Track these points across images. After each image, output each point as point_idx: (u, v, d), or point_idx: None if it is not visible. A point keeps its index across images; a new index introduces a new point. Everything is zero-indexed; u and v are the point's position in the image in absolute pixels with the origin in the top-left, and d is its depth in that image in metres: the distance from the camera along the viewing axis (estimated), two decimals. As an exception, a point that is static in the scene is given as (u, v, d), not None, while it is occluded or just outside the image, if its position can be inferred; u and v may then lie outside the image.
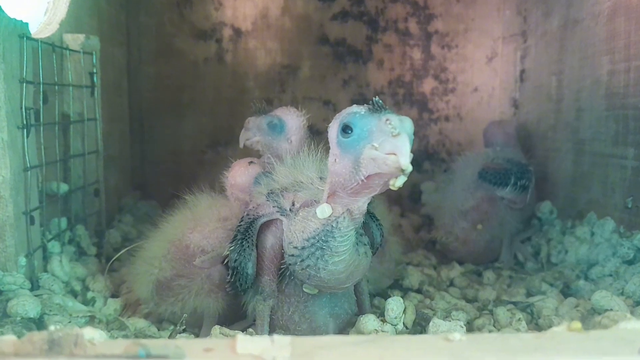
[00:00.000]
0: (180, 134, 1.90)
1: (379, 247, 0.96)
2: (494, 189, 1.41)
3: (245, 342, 0.50)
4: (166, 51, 1.87)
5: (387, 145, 0.70)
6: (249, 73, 1.89)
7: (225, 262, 0.92)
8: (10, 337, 0.54)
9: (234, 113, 1.88)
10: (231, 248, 0.88)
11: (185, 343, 0.51)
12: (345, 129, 0.73)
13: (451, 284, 1.29)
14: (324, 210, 0.79)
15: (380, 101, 0.72)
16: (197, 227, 1.00)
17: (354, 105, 0.75)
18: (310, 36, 1.89)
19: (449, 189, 1.49)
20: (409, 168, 0.69)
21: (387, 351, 0.49)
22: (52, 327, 0.53)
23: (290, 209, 0.85)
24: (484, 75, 1.91)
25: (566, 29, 1.51)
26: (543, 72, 1.65)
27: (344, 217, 0.78)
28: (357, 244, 0.82)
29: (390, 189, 0.75)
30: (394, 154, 0.69)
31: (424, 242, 1.56)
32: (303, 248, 0.80)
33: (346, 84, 1.90)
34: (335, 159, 0.76)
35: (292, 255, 0.82)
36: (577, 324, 0.58)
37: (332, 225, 0.79)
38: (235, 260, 0.86)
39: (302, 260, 0.81)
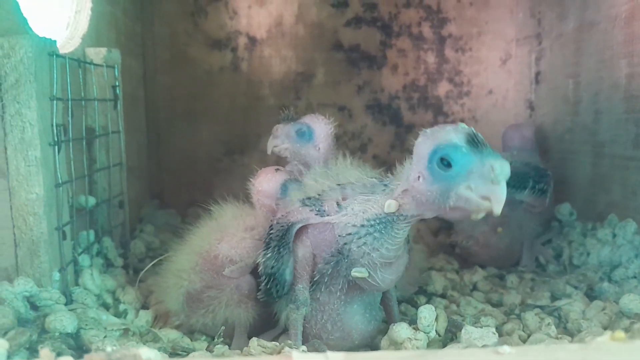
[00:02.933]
0: (196, 143, 1.92)
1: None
2: (512, 192, 1.42)
3: (301, 359, 0.51)
4: (181, 61, 1.89)
5: (484, 190, 0.70)
6: (263, 81, 1.90)
7: (256, 270, 0.93)
8: (67, 359, 0.55)
9: (249, 121, 1.90)
10: (267, 255, 0.89)
11: (242, 361, 0.52)
12: (443, 161, 0.73)
13: (474, 288, 1.30)
14: (390, 205, 0.82)
15: (478, 134, 0.72)
16: (224, 237, 1.01)
17: (450, 128, 0.75)
18: (324, 43, 1.90)
19: (468, 192, 1.49)
20: (499, 213, 0.70)
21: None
22: (109, 348, 0.54)
23: (337, 204, 0.87)
24: (498, 77, 1.91)
25: (582, 32, 1.52)
26: (559, 74, 1.66)
27: (406, 217, 0.81)
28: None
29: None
30: (489, 200, 0.70)
31: (443, 246, 1.57)
32: (362, 226, 0.84)
33: (360, 89, 1.91)
34: (420, 177, 0.77)
35: (350, 234, 0.85)
36: (621, 334, 0.59)
37: (393, 218, 0.82)
38: (273, 267, 0.87)
39: (360, 237, 0.84)
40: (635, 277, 1.19)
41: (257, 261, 0.93)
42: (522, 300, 1.18)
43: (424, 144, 0.76)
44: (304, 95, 1.91)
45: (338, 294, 0.90)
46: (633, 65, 1.29)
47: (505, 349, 0.53)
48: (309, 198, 0.90)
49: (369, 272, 0.86)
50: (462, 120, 1.92)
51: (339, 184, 0.89)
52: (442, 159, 0.73)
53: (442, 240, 1.61)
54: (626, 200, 1.33)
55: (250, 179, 1.06)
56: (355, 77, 1.91)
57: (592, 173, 1.49)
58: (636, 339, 0.59)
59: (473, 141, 0.72)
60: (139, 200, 1.70)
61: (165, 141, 1.91)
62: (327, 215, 0.87)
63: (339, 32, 1.89)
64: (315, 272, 0.90)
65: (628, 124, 1.31)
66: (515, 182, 1.41)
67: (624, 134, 1.33)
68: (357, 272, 0.86)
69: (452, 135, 0.74)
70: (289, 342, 0.86)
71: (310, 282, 0.91)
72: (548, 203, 1.44)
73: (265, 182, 1.04)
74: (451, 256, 1.48)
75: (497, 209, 0.70)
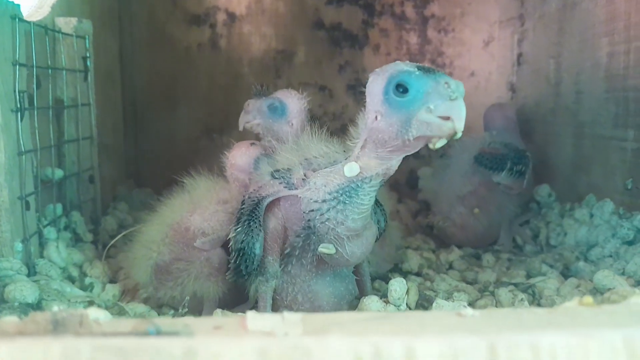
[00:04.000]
0: (174, 122, 1.88)
1: (382, 232, 0.96)
2: (490, 173, 1.40)
3: (256, 320, 0.49)
4: (159, 38, 1.84)
5: (443, 109, 0.69)
6: (243, 59, 1.87)
7: (227, 245, 0.91)
8: (11, 318, 0.52)
9: (228, 100, 1.86)
10: (237, 229, 0.87)
11: (194, 321, 0.50)
12: (398, 88, 0.71)
13: (450, 267, 1.29)
14: (352, 169, 0.79)
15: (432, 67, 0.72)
16: (196, 209, 0.99)
17: (399, 62, 0.74)
18: (305, 21, 1.86)
19: (445, 173, 1.48)
20: (461, 133, 0.69)
21: (399, 327, 0.48)
22: (55, 308, 0.51)
23: (303, 178, 0.85)
24: (481, 59, 1.90)
25: (565, 11, 1.51)
26: (541, 55, 1.65)
27: (370, 178, 0.78)
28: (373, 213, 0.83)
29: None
30: (449, 118, 0.68)
31: (421, 227, 1.55)
32: (324, 201, 0.81)
33: (342, 69, 1.89)
34: (377, 116, 0.74)
35: (312, 211, 0.83)
36: (589, 299, 0.57)
37: (357, 184, 0.80)
38: (242, 242, 0.85)
39: (322, 214, 0.82)
40: (611, 256, 1.18)
41: (229, 236, 0.91)
42: (497, 278, 1.17)
43: (376, 80, 0.75)
44: (284, 74, 1.87)
45: (309, 267, 0.88)
46: (614, 44, 1.27)
47: (468, 311, 0.51)
48: (278, 171, 0.89)
49: (336, 248, 0.84)
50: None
51: (305, 159, 0.87)
52: (397, 86, 0.71)
53: (421, 221, 1.59)
54: (606, 180, 1.32)
55: (226, 153, 1.04)
56: (336, 57, 1.88)
57: (573, 154, 1.48)
58: (604, 304, 0.57)
59: (424, 68, 0.71)
60: (114, 178, 1.67)
61: (142, 119, 1.87)
62: (295, 188, 0.86)
63: (320, 10, 1.86)
64: (286, 245, 0.89)
65: (608, 103, 1.30)
66: (492, 164, 1.40)
67: (605, 114, 1.32)
68: (324, 249, 0.84)
69: (402, 65, 0.73)
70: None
71: (281, 255, 0.89)
72: (526, 185, 1.43)
73: (239, 156, 1.02)
74: (429, 237, 1.47)
75: (459, 125, 0.68)
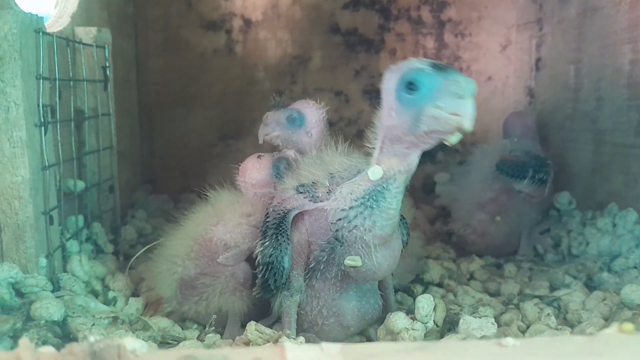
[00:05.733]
0: (189, 127, 1.88)
1: (405, 245, 0.95)
2: (511, 181, 1.40)
3: (295, 351, 0.49)
4: (174, 43, 1.84)
5: (452, 106, 0.70)
6: (258, 64, 1.86)
7: (254, 258, 0.90)
8: (48, 349, 0.52)
9: (243, 105, 1.86)
10: (265, 243, 0.86)
11: (233, 352, 0.49)
12: (409, 86, 0.73)
13: (471, 277, 1.28)
14: (375, 172, 0.79)
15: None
16: (219, 222, 0.99)
17: (414, 59, 0.75)
18: (321, 26, 1.85)
19: (465, 180, 1.47)
20: (470, 129, 0.70)
21: (439, 358, 0.48)
22: (92, 338, 0.51)
23: (328, 192, 0.85)
24: (498, 63, 1.88)
25: (585, 17, 1.49)
26: (560, 60, 1.63)
27: (394, 178, 0.79)
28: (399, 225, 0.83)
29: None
30: (458, 115, 0.69)
31: (440, 234, 1.55)
32: (351, 208, 0.81)
33: (358, 74, 1.88)
34: (391, 113, 0.76)
35: (340, 220, 0.82)
36: (629, 326, 0.57)
37: (382, 186, 0.80)
38: (271, 256, 0.85)
39: (350, 221, 0.82)
40: (635, 268, 1.17)
41: (255, 251, 0.90)
42: (520, 290, 1.16)
43: (390, 77, 0.76)
44: (299, 80, 1.87)
45: (333, 280, 0.88)
46: (637, 51, 1.26)
47: (509, 341, 0.51)
48: (303, 185, 0.88)
49: (363, 260, 0.83)
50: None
51: (330, 173, 0.87)
52: (409, 84, 0.73)
53: (439, 229, 1.58)
54: (627, 189, 1.31)
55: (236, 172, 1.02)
56: (352, 62, 1.87)
57: (593, 161, 1.46)
58: (644, 331, 0.56)
59: (437, 65, 0.72)
60: (130, 185, 1.67)
61: (158, 125, 1.87)
62: (321, 201, 0.85)
63: (336, 15, 1.85)
64: (310, 259, 0.88)
65: (630, 111, 1.29)
66: (514, 172, 1.39)
67: (626, 122, 1.30)
68: (351, 261, 0.84)
69: (415, 63, 0.74)
70: (288, 332, 0.84)
71: (306, 270, 0.89)
72: (547, 193, 1.41)
73: (255, 172, 1.00)
74: (448, 245, 1.46)
75: (467, 123, 0.69)
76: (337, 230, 0.84)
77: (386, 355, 0.49)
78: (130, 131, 1.71)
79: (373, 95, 1.88)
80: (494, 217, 1.38)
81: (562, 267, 1.25)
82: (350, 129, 1.87)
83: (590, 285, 1.15)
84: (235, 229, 0.97)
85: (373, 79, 1.87)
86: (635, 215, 1.25)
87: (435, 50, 1.87)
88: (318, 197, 0.86)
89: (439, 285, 1.20)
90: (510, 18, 1.86)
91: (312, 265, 0.88)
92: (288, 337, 0.79)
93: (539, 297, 1.09)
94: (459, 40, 1.87)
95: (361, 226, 0.81)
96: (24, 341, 0.51)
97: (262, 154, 1.04)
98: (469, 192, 1.43)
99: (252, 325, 0.81)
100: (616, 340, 0.55)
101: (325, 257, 0.86)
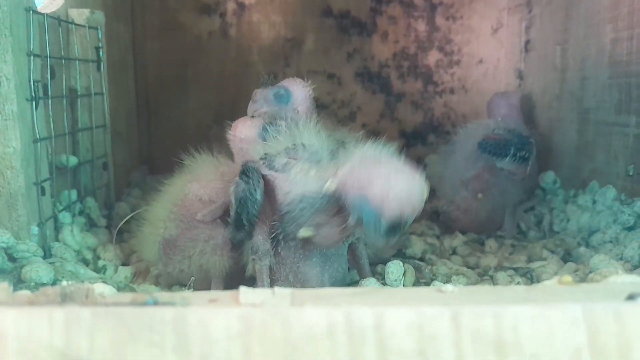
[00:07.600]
0: (186, 109, 1.92)
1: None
2: (493, 159, 1.42)
3: (248, 294, 0.52)
4: (170, 26, 1.88)
5: None
6: (252, 47, 1.90)
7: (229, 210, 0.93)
8: (24, 291, 0.57)
9: (238, 87, 1.89)
10: (237, 182, 0.89)
11: (192, 294, 0.53)
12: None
13: (454, 252, 1.31)
14: (329, 185, 0.81)
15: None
16: (195, 179, 1.03)
17: None
18: (314, 9, 1.88)
19: (450, 159, 1.50)
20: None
21: (376, 299, 0.51)
22: (64, 283, 0.56)
23: (285, 164, 0.87)
24: (489, 46, 1.90)
25: (571, -2, 1.51)
26: (548, 42, 1.65)
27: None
28: None
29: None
30: None
31: (427, 213, 1.58)
32: (300, 201, 0.84)
33: (350, 57, 1.91)
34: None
35: (288, 204, 0.85)
36: (568, 278, 0.60)
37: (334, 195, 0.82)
38: (243, 190, 0.87)
39: (299, 209, 0.84)
40: (611, 242, 1.20)
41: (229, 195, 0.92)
42: (499, 263, 1.19)
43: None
44: (293, 62, 1.90)
45: (295, 248, 0.91)
46: (617, 30, 1.28)
47: (448, 287, 0.54)
48: (267, 154, 0.90)
49: (315, 232, 0.86)
50: (451, 90, 1.92)
51: (293, 144, 0.89)
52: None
53: (427, 208, 1.61)
54: (608, 166, 1.33)
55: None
56: (345, 44, 1.90)
57: (578, 140, 1.49)
58: (582, 283, 0.60)
59: None
60: (127, 166, 1.72)
61: (155, 107, 1.92)
62: (276, 171, 0.88)
63: (328, -2, 1.88)
64: (273, 225, 0.91)
65: (612, 89, 1.31)
66: (496, 150, 1.41)
67: (608, 100, 1.33)
68: (303, 232, 0.87)
69: None
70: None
71: (271, 237, 0.91)
72: (530, 170, 1.44)
73: (245, 129, 1.03)
74: (434, 223, 1.49)
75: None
76: (286, 205, 0.86)
77: (333, 297, 0.53)
78: (128, 112, 1.76)
79: (365, 78, 1.91)
80: (477, 195, 1.41)
81: (541, 242, 1.28)
82: (343, 111, 1.91)
83: (568, 260, 1.18)
84: (210, 183, 1.00)
85: (365, 62, 1.90)
86: (614, 192, 1.28)
87: (426, 33, 1.89)
88: (274, 166, 0.88)
89: (421, 259, 1.23)
90: (502, 1, 1.88)
91: (273, 234, 0.90)
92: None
93: (515, 269, 1.12)
94: (450, 24, 1.89)
95: (306, 212, 0.84)
96: (3, 285, 0.56)
97: (256, 116, 1.08)
98: (453, 170, 1.46)
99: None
100: (554, 289, 0.58)
101: (282, 228, 0.89)
